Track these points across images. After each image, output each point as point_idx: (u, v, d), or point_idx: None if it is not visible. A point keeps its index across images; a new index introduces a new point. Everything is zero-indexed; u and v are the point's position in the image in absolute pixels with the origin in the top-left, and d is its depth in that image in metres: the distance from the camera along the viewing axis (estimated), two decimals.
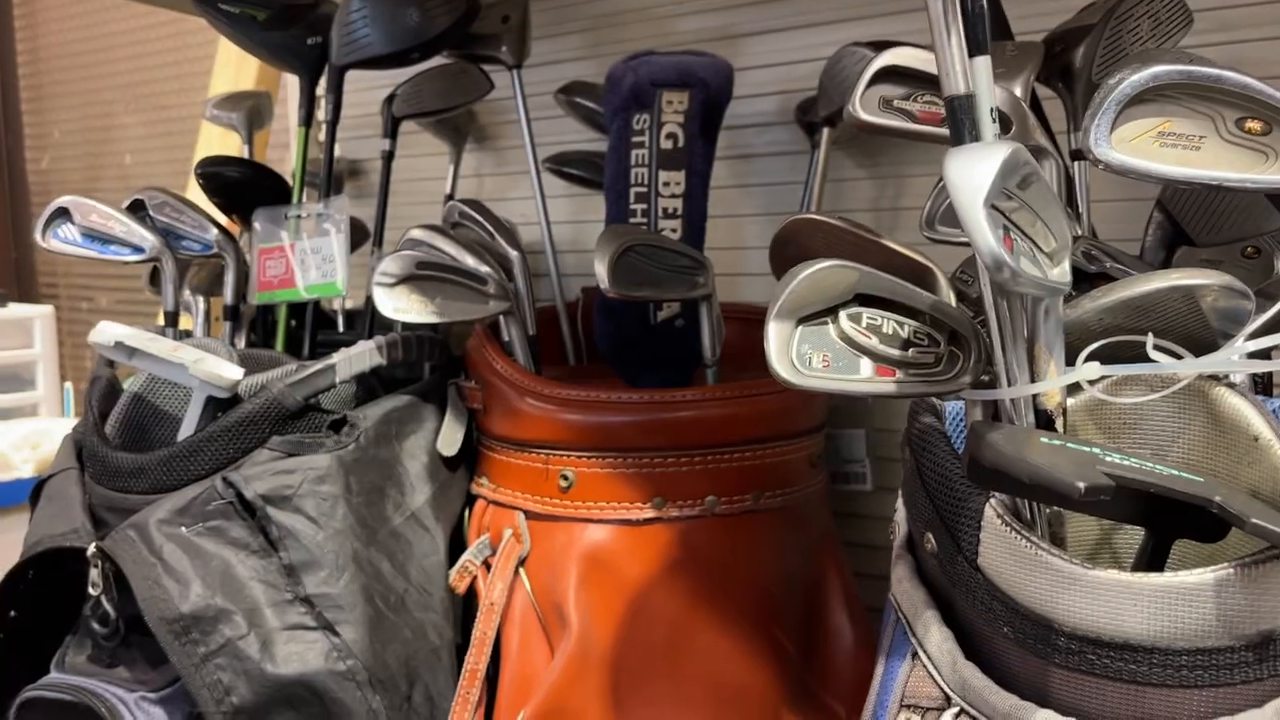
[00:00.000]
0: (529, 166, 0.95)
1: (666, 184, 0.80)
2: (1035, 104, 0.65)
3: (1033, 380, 0.41)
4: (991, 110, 0.40)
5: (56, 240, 0.86)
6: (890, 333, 0.41)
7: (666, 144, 0.80)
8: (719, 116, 0.83)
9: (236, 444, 0.72)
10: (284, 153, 1.50)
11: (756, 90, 0.99)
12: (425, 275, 0.72)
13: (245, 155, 1.14)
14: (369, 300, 0.90)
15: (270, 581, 0.69)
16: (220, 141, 1.36)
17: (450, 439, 0.80)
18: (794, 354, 0.41)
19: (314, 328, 0.90)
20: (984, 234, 0.33)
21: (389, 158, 0.94)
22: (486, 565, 0.79)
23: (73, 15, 2.09)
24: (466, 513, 0.83)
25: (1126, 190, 0.59)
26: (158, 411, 0.79)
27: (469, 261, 0.75)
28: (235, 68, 1.34)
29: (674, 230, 0.80)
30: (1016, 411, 0.41)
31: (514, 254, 0.80)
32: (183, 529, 0.69)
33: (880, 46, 0.56)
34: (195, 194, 0.99)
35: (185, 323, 0.91)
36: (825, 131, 0.88)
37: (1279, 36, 0.74)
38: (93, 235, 0.86)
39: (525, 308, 0.79)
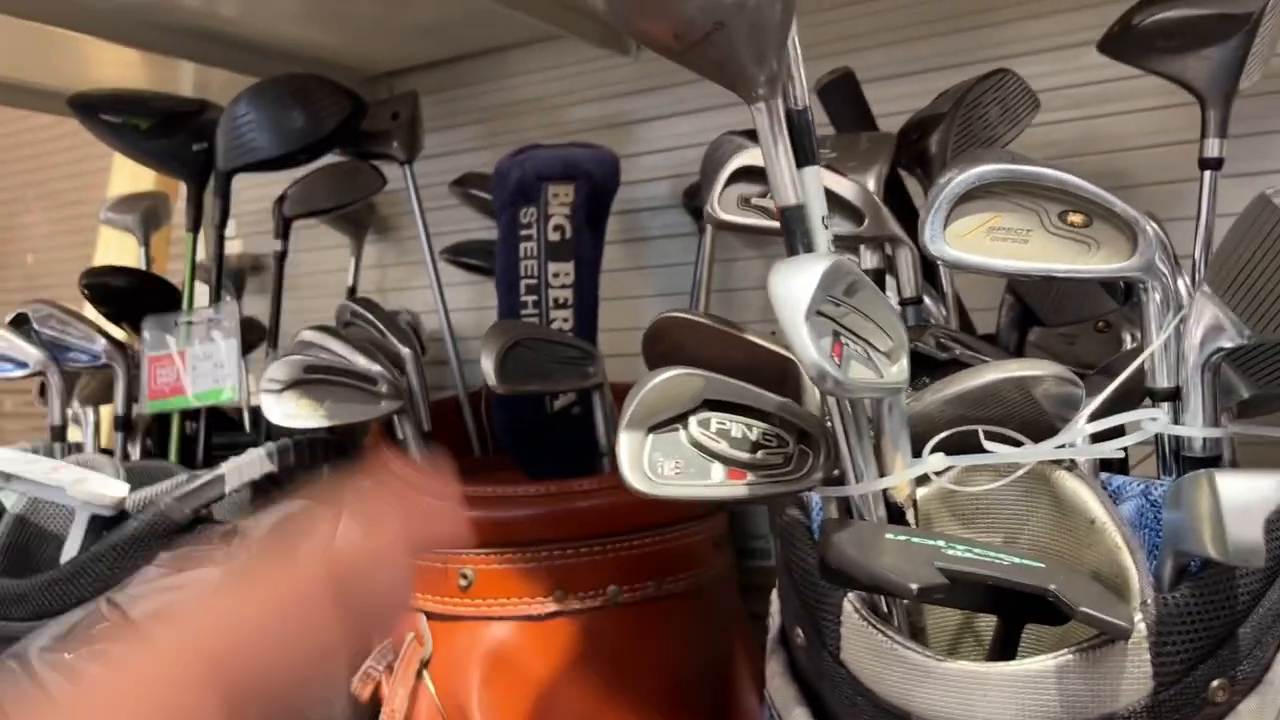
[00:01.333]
0: (424, 257, 0.96)
1: (556, 275, 0.81)
2: (899, 187, 0.68)
3: (881, 474, 0.42)
4: (824, 218, 0.42)
5: None
6: (739, 436, 0.42)
7: (554, 235, 0.81)
8: (606, 205, 0.85)
9: (123, 563, 0.70)
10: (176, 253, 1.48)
11: (648, 175, 1.01)
12: (314, 379, 0.72)
13: (141, 258, 1.12)
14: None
15: None
16: (119, 242, 1.35)
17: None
18: (646, 462, 0.41)
19: (208, 432, 0.88)
20: (805, 346, 0.34)
21: (281, 258, 0.93)
22: (390, 670, 0.78)
23: None
24: None
25: None
26: (43, 532, 0.77)
27: (360, 362, 0.75)
28: (133, 168, 1.33)
29: (565, 320, 0.81)
30: (866, 506, 0.42)
31: (405, 351, 0.80)
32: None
33: (754, 135, 0.58)
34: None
35: (75, 435, 0.89)
36: None
37: (1129, 111, 0.78)
38: None
39: (419, 405, 0.79)
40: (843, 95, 0.73)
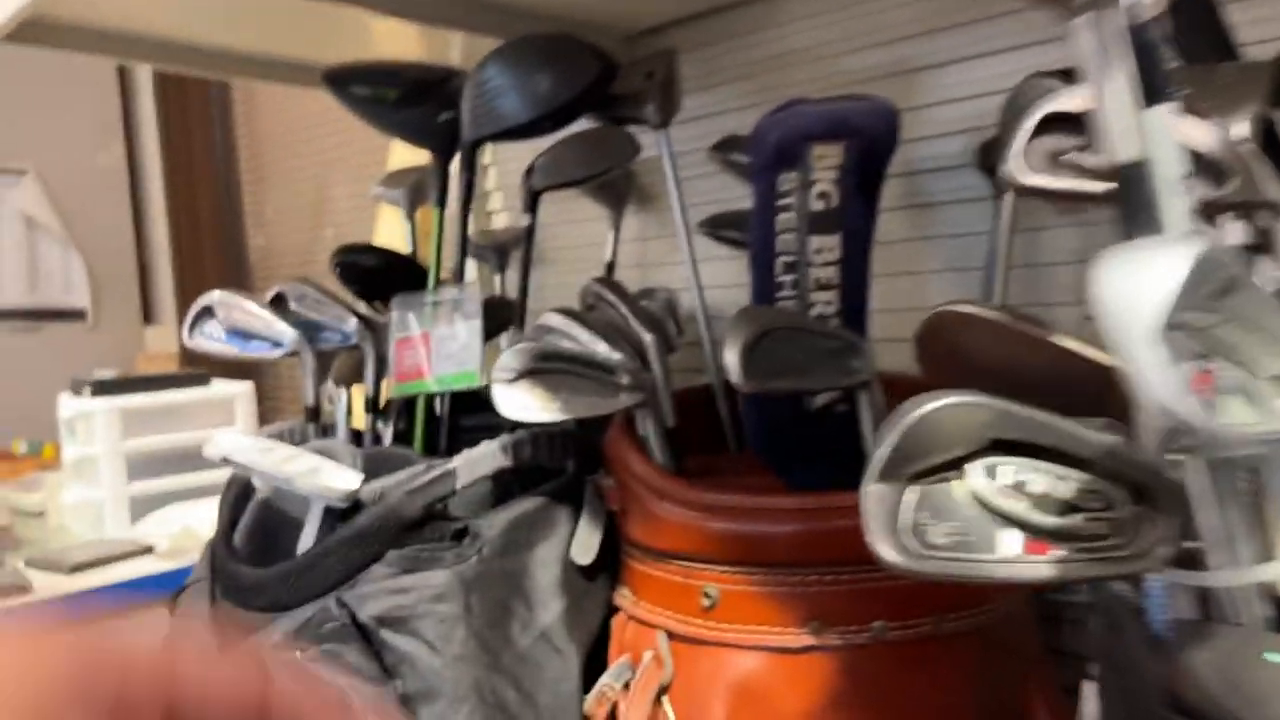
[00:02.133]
0: (678, 230, 0.87)
1: (819, 250, 0.70)
2: (1271, 139, 0.51)
3: (1262, 557, 0.28)
4: (1184, 174, 0.28)
5: (202, 338, 0.85)
6: (1044, 492, 0.30)
7: (818, 204, 0.70)
8: (881, 168, 0.72)
9: (353, 558, 0.67)
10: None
11: (935, 130, 0.87)
12: (549, 368, 0.65)
13: (408, 234, 1.12)
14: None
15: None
16: (395, 217, 1.36)
17: (585, 545, 0.72)
18: (907, 525, 0.30)
19: (454, 417, 0.84)
20: (1154, 377, 0.22)
21: (529, 233, 0.88)
22: (628, 689, 0.70)
23: (288, 95, 2.20)
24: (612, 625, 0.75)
25: None
26: (286, 518, 0.76)
27: (600, 349, 0.68)
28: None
29: (829, 303, 0.70)
30: (1236, 603, 0.29)
31: (648, 338, 0.72)
32: (298, 653, 0.65)
33: (1070, 75, 0.45)
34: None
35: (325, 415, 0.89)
36: None
37: None
38: (236, 331, 0.85)
39: (662, 397, 0.71)
40: (1191, 14, 0.56)
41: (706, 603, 0.66)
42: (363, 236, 2.10)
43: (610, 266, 1.09)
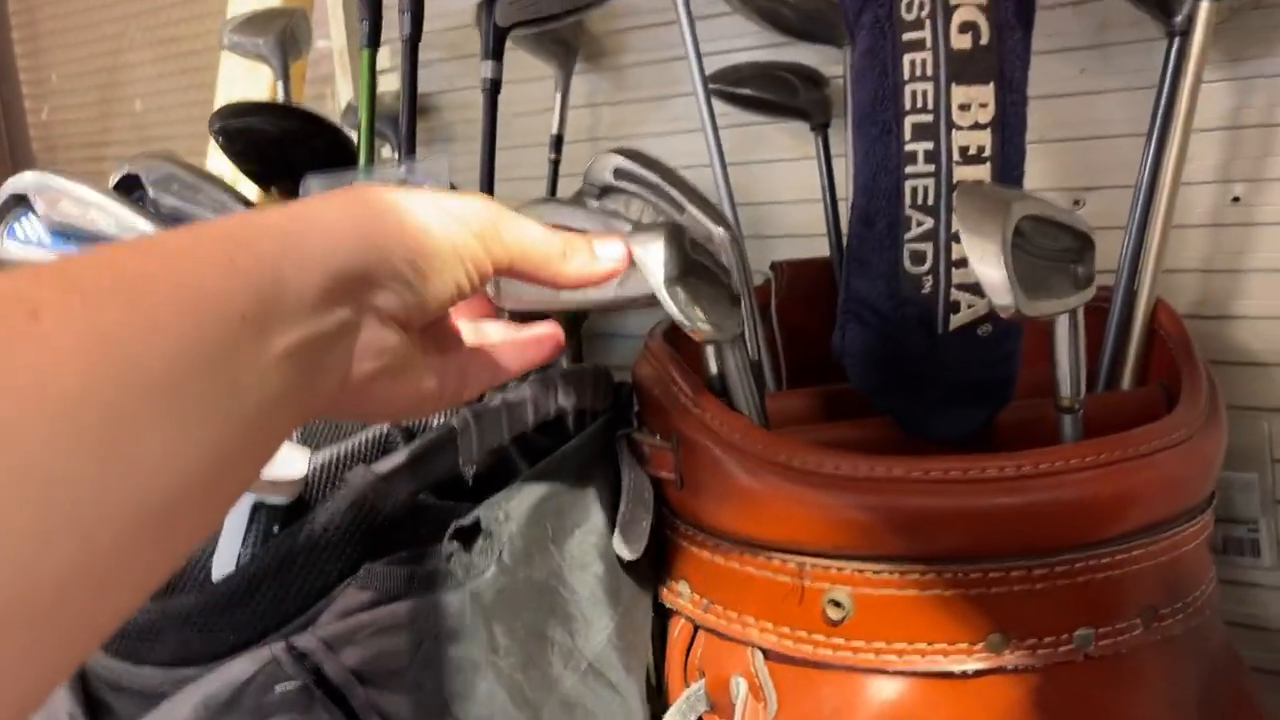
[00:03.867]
0: (693, 86, 0.65)
1: (965, 106, 0.49)
2: None
3: None
4: None
5: (13, 242, 0.57)
6: None
7: (961, 41, 0.49)
8: None
9: (308, 580, 0.44)
10: (322, 89, 1.19)
11: None
12: (701, 264, 0.43)
13: (280, 96, 0.83)
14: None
15: None
16: (246, 78, 1.06)
17: (632, 533, 0.51)
18: None
19: None
20: None
21: (494, 88, 0.63)
22: None
23: None
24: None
25: None
26: None
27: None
28: None
29: (978, 182, 0.50)
30: None
31: (719, 233, 0.50)
32: None
33: None
34: (217, 155, 0.70)
35: None
36: None
37: None
38: (65, 232, 0.57)
39: (745, 319, 0.50)
40: None
41: (835, 613, 0.46)
42: (179, 106, 1.74)
43: (558, 140, 0.85)
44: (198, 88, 1.61)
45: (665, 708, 0.52)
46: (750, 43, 0.75)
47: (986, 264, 0.37)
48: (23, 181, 0.57)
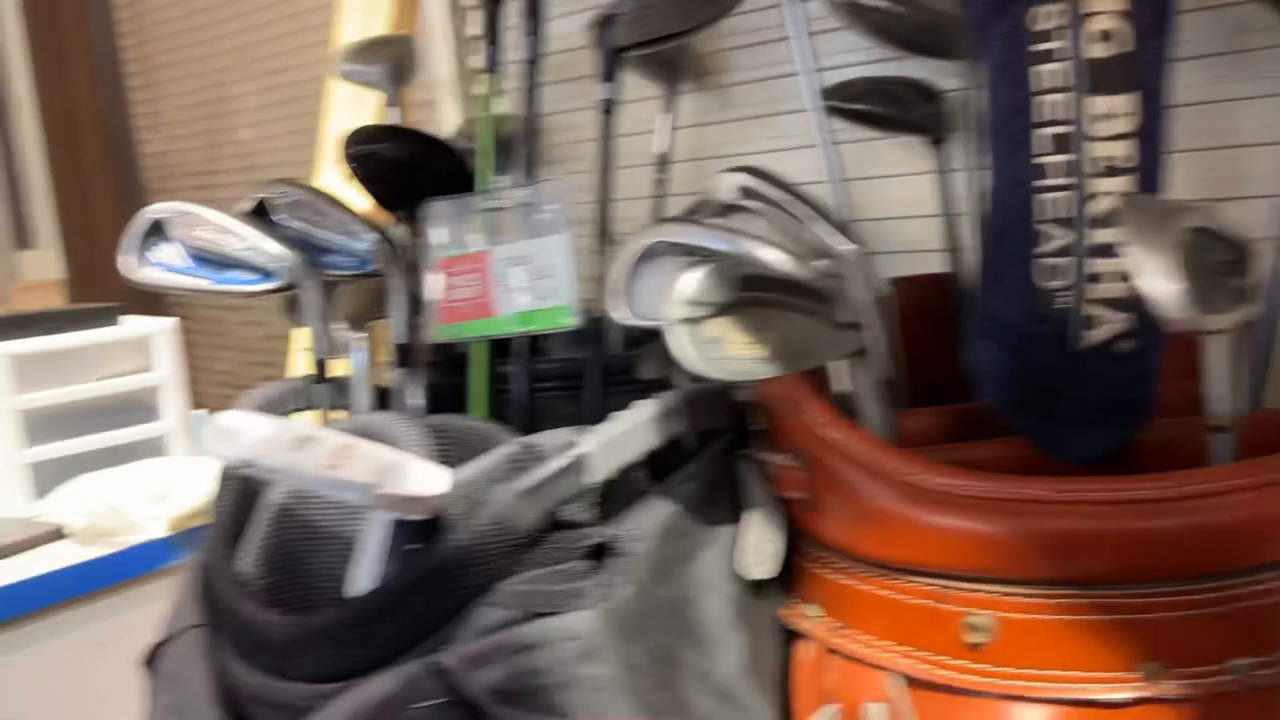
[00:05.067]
0: (806, 102, 0.64)
1: (1105, 116, 0.48)
2: None
3: None
4: None
5: (153, 269, 0.59)
6: None
7: (1099, 48, 0.48)
8: None
9: (446, 598, 0.44)
10: (422, 115, 1.22)
11: None
12: (752, 299, 0.42)
13: (393, 122, 0.85)
14: (595, 320, 0.61)
15: None
16: (352, 105, 1.09)
17: (762, 553, 0.51)
18: None
19: (535, 370, 0.61)
20: None
21: (609, 109, 0.63)
22: None
23: None
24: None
25: None
26: (314, 530, 0.52)
27: (800, 271, 0.45)
28: (363, 8, 1.06)
29: (1118, 195, 0.48)
30: None
31: (846, 248, 0.50)
32: None
33: None
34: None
35: (335, 364, 0.64)
36: None
37: None
38: (204, 257, 0.59)
39: (875, 337, 0.49)
40: None
41: (974, 638, 0.45)
42: (283, 134, 1.79)
43: (662, 161, 0.85)
44: (299, 116, 1.66)
45: None
46: (860, 58, 0.75)
47: (1157, 277, 0.36)
48: (160, 210, 0.59)
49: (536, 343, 0.65)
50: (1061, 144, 0.48)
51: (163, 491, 1.08)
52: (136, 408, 1.23)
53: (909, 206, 0.75)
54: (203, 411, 1.28)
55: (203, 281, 0.59)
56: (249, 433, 0.42)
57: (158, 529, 1.05)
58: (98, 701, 1.00)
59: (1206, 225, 0.38)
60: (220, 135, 1.81)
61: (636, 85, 0.87)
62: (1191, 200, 0.61)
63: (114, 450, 1.21)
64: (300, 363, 1.21)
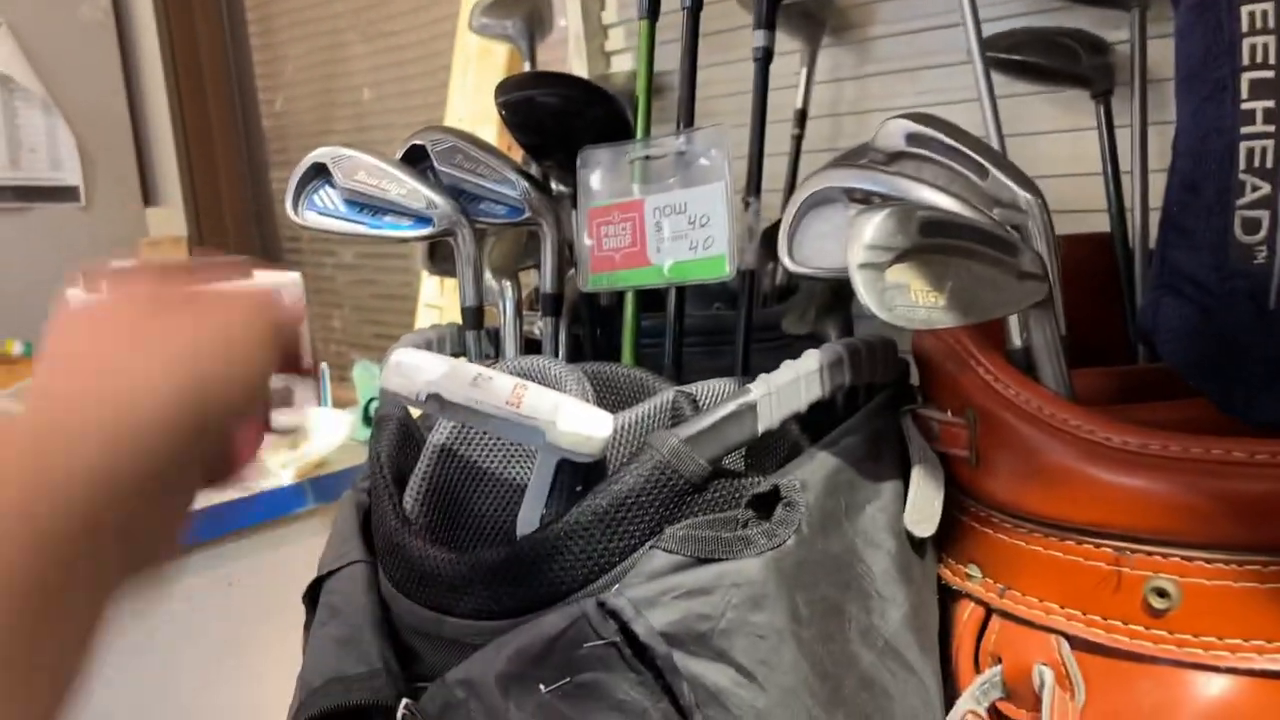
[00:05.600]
0: (968, 53, 0.62)
1: None
2: None
3: None
4: None
5: (313, 213, 0.60)
6: None
7: None
8: None
9: (614, 540, 0.44)
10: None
11: None
12: (935, 245, 0.41)
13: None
14: (747, 274, 0.60)
15: None
16: (481, 62, 1.09)
17: (925, 511, 0.50)
18: None
19: (680, 322, 0.60)
20: None
21: (766, 57, 0.62)
22: (994, 716, 0.49)
23: None
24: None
25: None
26: (475, 471, 0.52)
27: (980, 220, 0.44)
28: None
29: None
30: None
31: (1027, 198, 0.48)
32: (541, 688, 0.42)
33: None
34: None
35: (487, 317, 0.64)
36: None
37: None
38: (360, 201, 0.60)
39: (1055, 290, 0.47)
40: None
41: (1159, 603, 0.43)
42: (398, 95, 1.81)
43: (802, 115, 0.84)
44: (413, 77, 1.68)
45: (951, 692, 0.50)
46: (1020, 8, 0.72)
47: None
48: (325, 153, 0.60)
49: (679, 296, 0.65)
50: (1266, 89, 0.45)
51: (291, 441, 1.10)
52: None
53: (1066, 164, 0.73)
54: (323, 365, 1.31)
55: (359, 226, 0.59)
56: (428, 369, 0.42)
57: (286, 476, 1.07)
58: (231, 638, 1.04)
59: None
60: (337, 95, 1.84)
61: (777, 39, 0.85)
62: None
63: None
64: (424, 317, 1.23)
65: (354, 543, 0.53)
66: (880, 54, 0.84)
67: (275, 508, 1.06)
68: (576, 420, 0.42)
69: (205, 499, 1.10)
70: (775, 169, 0.85)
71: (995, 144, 0.63)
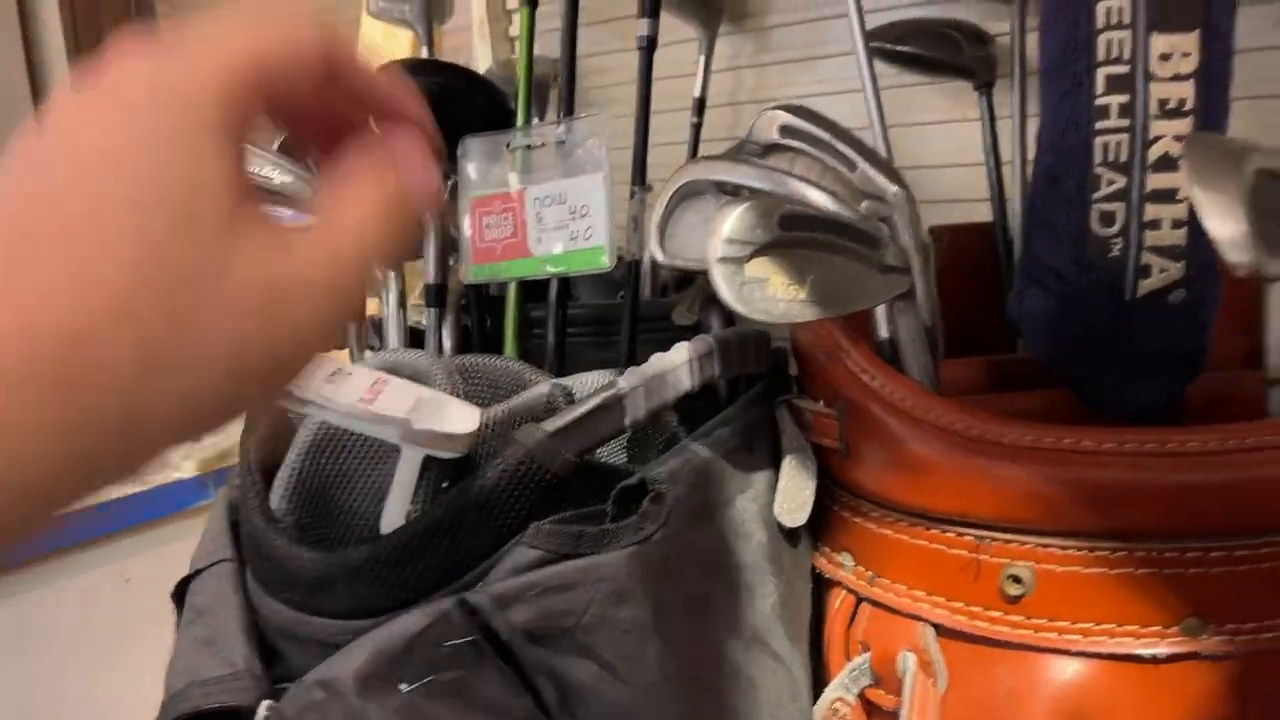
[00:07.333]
0: (852, 44, 0.62)
1: (1166, 56, 0.46)
2: None
3: None
4: None
5: None
6: None
7: None
8: None
9: (477, 537, 0.44)
10: (462, 58, 1.20)
11: None
12: (799, 239, 0.41)
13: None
14: (631, 265, 0.60)
15: None
16: (385, 48, 1.07)
17: (796, 501, 0.50)
18: None
19: (563, 314, 0.60)
20: None
21: (650, 46, 0.62)
22: (863, 703, 0.49)
23: None
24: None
25: None
26: (344, 468, 0.51)
27: (844, 213, 0.44)
28: None
29: (1177, 138, 0.46)
30: None
31: (893, 190, 0.48)
32: (402, 687, 0.42)
33: None
34: None
35: (368, 305, 0.63)
36: None
37: None
38: None
39: (920, 283, 0.48)
40: None
41: (1013, 589, 0.44)
42: None
43: (700, 104, 0.84)
44: None
45: (824, 679, 0.51)
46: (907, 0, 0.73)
47: (1221, 218, 0.34)
48: None
49: (568, 287, 0.64)
50: (1120, 84, 0.46)
51: None
52: None
53: (952, 155, 0.74)
54: None
55: None
56: None
57: (187, 468, 1.05)
58: (127, 636, 1.01)
59: (1275, 168, 0.36)
60: None
61: (672, 27, 0.85)
62: None
63: None
64: None
65: (223, 541, 0.52)
66: (777, 43, 0.84)
67: (175, 501, 1.04)
68: (435, 417, 0.42)
69: (101, 492, 1.07)
70: (675, 158, 0.85)
71: (878, 134, 0.63)
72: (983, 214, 0.70)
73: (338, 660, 0.43)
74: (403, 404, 0.41)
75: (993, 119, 0.67)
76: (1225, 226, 0.35)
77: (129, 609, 1.02)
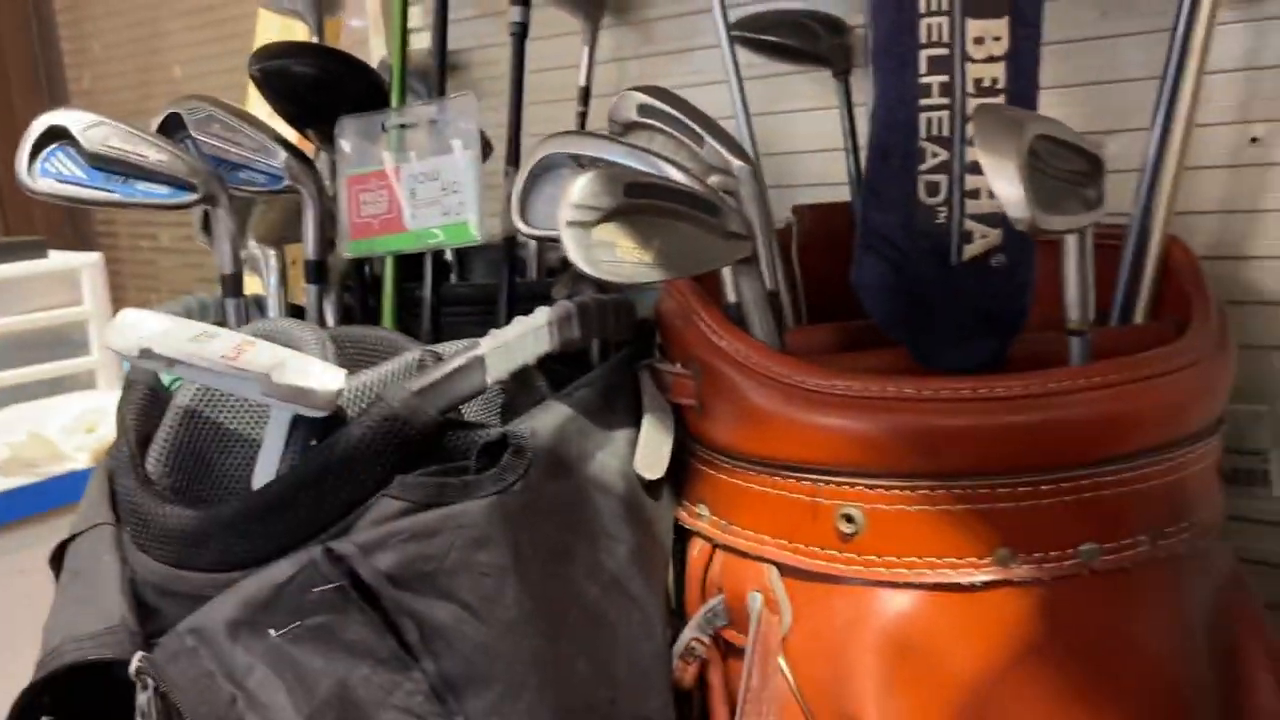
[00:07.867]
0: (716, 35, 0.66)
1: (980, 40, 0.50)
2: None
3: None
4: None
5: (47, 179, 0.59)
6: None
7: None
8: None
9: (343, 490, 0.46)
10: (361, 52, 1.21)
11: None
12: (644, 205, 0.44)
13: None
14: (508, 242, 0.63)
15: (411, 709, 0.44)
16: (281, 37, 1.08)
17: (653, 456, 0.53)
18: None
19: (440, 286, 0.63)
20: None
21: (522, 33, 0.65)
22: (719, 642, 0.53)
23: None
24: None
25: None
26: (221, 432, 0.53)
27: (688, 183, 0.47)
28: None
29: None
30: None
31: (739, 165, 0.52)
32: (270, 632, 0.44)
33: None
34: (254, 107, 0.73)
35: (253, 285, 0.65)
36: None
37: None
38: (109, 168, 0.59)
39: (762, 250, 0.51)
40: None
41: (847, 529, 0.48)
42: (217, 73, 1.76)
43: (585, 93, 0.87)
44: (232, 54, 1.64)
45: (685, 624, 0.54)
46: None
47: (1003, 180, 0.38)
48: (62, 117, 0.59)
49: (444, 263, 0.67)
50: (940, 64, 0.51)
51: (89, 423, 1.08)
52: (65, 342, 1.22)
53: (818, 140, 0.78)
54: None
55: (107, 194, 0.59)
56: (148, 326, 0.43)
57: (83, 460, 1.05)
58: (22, 627, 1.01)
59: (1056, 135, 0.40)
60: (151, 74, 1.78)
61: (560, 19, 0.88)
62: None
63: (43, 383, 1.20)
64: None
65: (101, 507, 0.53)
66: (658, 35, 0.88)
67: (70, 492, 1.03)
68: (298, 374, 0.44)
69: None
70: None
71: (741, 119, 0.67)
72: (846, 196, 0.74)
73: (208, 609, 0.45)
74: (266, 362, 0.43)
75: (850, 105, 0.71)
76: (1007, 187, 0.39)
77: (22, 601, 1.01)
